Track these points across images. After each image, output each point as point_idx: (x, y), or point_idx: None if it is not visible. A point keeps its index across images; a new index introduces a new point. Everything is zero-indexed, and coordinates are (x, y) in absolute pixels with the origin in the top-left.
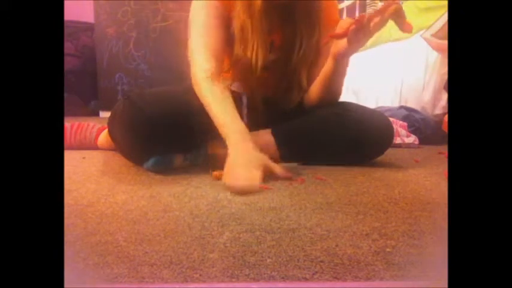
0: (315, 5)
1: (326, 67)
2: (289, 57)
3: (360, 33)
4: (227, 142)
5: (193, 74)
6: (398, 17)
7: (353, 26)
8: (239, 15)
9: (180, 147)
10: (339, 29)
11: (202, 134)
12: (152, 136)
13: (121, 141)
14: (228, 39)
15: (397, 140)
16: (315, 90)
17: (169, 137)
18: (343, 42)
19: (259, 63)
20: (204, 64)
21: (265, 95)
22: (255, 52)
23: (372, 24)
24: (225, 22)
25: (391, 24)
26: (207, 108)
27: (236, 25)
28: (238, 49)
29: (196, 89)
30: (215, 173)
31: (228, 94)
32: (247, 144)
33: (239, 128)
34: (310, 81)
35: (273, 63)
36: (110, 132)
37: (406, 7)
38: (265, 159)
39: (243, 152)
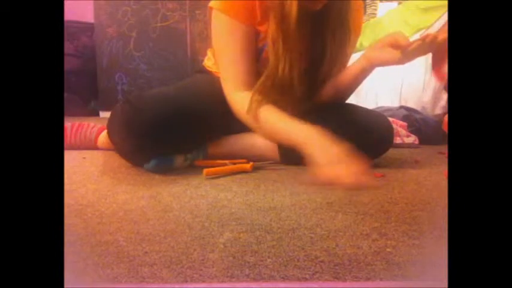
0: (347, 13)
1: (354, 69)
2: (320, 65)
3: (421, 51)
4: (306, 148)
5: (238, 108)
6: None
7: (418, 43)
8: (271, 35)
9: (181, 148)
10: (394, 40)
11: (203, 134)
12: (152, 137)
13: (121, 143)
14: (257, 56)
15: (397, 140)
16: (333, 88)
17: (170, 138)
18: (391, 52)
19: (294, 80)
20: (247, 98)
21: (294, 102)
22: (288, 68)
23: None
24: (254, 43)
25: (392, 24)
26: (270, 133)
27: (268, 43)
28: (271, 66)
29: (249, 121)
30: (206, 169)
31: (275, 109)
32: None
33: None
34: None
35: (303, 73)
36: (110, 135)
37: (406, 7)
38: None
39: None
